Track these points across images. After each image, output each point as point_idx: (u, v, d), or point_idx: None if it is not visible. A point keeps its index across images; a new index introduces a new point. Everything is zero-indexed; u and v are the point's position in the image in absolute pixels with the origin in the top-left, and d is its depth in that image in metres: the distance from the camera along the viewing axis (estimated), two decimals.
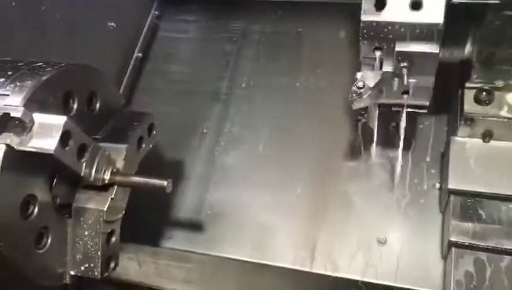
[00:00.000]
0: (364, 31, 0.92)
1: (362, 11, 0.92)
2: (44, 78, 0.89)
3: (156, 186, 1.00)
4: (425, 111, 1.05)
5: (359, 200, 1.27)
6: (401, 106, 1.05)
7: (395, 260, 1.19)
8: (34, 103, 0.85)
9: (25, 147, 0.83)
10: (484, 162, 1.10)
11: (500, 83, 1.08)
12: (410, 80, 0.97)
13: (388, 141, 1.31)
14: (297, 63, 1.51)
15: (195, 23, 1.67)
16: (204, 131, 1.47)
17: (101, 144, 1.01)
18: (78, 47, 1.34)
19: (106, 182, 0.99)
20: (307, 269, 1.21)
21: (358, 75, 0.99)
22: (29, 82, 0.87)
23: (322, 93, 1.45)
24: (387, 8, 0.90)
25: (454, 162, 1.13)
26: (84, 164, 0.95)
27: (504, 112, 1.08)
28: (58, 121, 0.87)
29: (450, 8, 0.91)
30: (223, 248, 1.26)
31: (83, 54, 1.34)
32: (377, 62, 0.97)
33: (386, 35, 0.92)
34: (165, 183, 0.99)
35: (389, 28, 0.91)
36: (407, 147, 1.30)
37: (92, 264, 1.02)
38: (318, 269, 1.21)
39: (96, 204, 1.00)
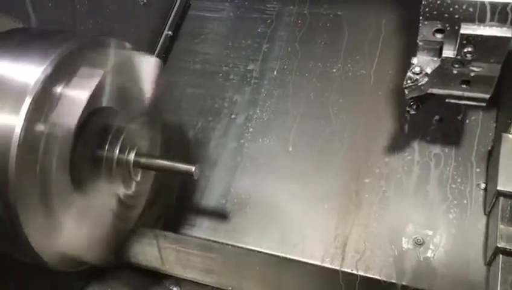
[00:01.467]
0: (427, 9, 0.82)
1: None
2: (68, 50, 0.83)
3: (183, 171, 0.94)
4: (484, 104, 0.94)
5: (396, 197, 1.19)
6: (459, 97, 0.94)
7: (433, 263, 1.10)
8: (56, 76, 0.80)
9: (44, 124, 0.78)
10: None
11: None
12: (474, 68, 0.87)
13: (431, 135, 1.22)
14: (335, 48, 1.42)
15: (229, 2, 1.60)
16: (233, 116, 1.40)
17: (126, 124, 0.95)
18: (107, 22, 1.28)
19: (131, 164, 0.93)
20: (336, 267, 1.13)
21: (414, 60, 0.90)
22: (53, 54, 0.81)
23: (360, 81, 1.36)
24: None
25: (504, 161, 1.03)
26: (107, 143, 0.90)
27: None
28: (81, 96, 0.82)
29: None
30: (248, 239, 1.20)
31: (111, 30, 1.29)
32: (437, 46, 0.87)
33: (451, 16, 0.82)
34: (192, 168, 0.93)
35: (456, 7, 0.80)
36: (451, 142, 1.21)
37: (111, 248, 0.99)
38: (348, 268, 1.13)
39: (118, 187, 0.94)
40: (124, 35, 1.09)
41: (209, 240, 1.18)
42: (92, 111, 0.87)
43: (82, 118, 0.83)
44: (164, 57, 1.51)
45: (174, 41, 1.56)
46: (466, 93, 0.93)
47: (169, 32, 1.55)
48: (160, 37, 1.52)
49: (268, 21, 1.53)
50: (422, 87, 0.90)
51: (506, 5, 0.78)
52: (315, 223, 1.20)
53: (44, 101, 0.78)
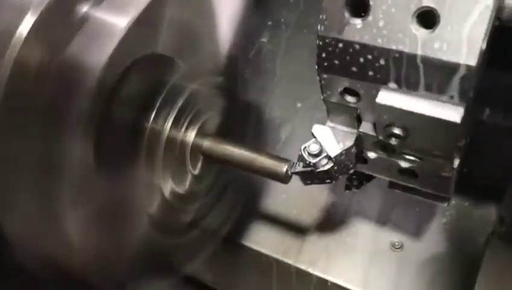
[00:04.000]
0: (323, 55, 0.55)
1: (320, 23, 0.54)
2: None
3: (267, 170, 0.64)
4: (445, 204, 0.71)
5: None
6: (405, 188, 0.68)
7: None
8: None
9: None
10: None
11: None
12: (405, 160, 0.60)
13: None
14: None
15: None
16: None
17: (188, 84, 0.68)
18: None
19: (188, 146, 0.66)
20: None
21: (316, 129, 0.63)
22: None
23: None
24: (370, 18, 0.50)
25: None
26: (155, 110, 0.63)
27: None
28: (119, 22, 0.54)
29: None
30: (328, 269, 0.96)
31: None
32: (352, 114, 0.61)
33: (363, 71, 0.52)
34: (284, 168, 0.61)
35: (368, 57, 0.51)
36: None
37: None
38: None
39: (165, 180, 0.67)
40: None
41: (279, 260, 0.98)
42: (138, 58, 0.60)
43: (118, 61, 0.56)
44: None
45: None
46: (413, 186, 0.67)
47: None
48: None
49: None
50: (324, 176, 0.63)
51: (455, 66, 0.46)
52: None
53: (56, 22, 0.52)
